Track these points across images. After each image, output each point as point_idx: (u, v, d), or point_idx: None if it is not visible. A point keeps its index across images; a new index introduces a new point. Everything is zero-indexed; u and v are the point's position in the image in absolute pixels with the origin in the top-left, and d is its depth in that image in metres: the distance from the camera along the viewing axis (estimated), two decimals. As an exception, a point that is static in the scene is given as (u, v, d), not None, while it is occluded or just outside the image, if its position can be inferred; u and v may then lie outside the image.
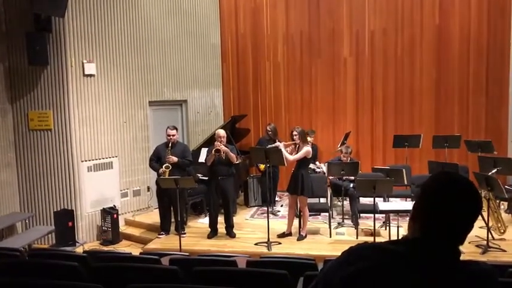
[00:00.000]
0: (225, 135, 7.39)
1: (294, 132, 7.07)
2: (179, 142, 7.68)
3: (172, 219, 7.58)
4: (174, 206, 7.30)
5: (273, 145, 7.30)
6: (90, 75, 7.91)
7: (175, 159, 7.23)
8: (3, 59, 7.65)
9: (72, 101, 7.68)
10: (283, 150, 6.82)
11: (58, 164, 7.76)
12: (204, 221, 7.99)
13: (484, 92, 9.59)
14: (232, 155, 7.24)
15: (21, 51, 7.60)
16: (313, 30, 10.33)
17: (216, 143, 7.20)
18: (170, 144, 7.31)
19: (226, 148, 7.17)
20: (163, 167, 7.19)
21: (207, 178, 7.73)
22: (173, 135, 7.37)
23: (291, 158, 6.92)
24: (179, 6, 9.55)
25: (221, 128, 8.85)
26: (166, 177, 7.01)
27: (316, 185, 7.46)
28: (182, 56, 9.61)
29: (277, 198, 9.30)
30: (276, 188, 8.94)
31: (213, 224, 7.39)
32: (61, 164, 7.75)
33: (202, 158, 8.11)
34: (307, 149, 6.93)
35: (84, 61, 7.80)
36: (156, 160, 7.43)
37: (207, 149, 7.77)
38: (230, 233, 7.35)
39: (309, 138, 8.31)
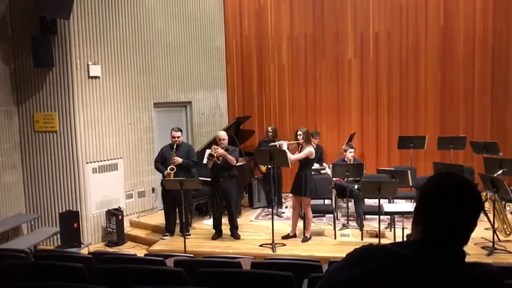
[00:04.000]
0: (226, 137, 7.36)
1: (299, 132, 7.05)
2: (184, 143, 7.69)
3: (177, 221, 7.59)
4: (178, 208, 7.32)
5: (276, 143, 7.26)
6: (95, 77, 7.94)
7: (179, 160, 7.24)
8: (8, 61, 7.70)
9: (77, 103, 7.72)
10: (285, 149, 6.80)
11: (63, 165, 7.80)
12: (208, 223, 8.00)
13: (489, 93, 9.56)
14: (231, 158, 7.20)
15: (26, 54, 7.64)
16: (318, 32, 10.33)
17: (213, 146, 7.19)
18: (175, 146, 7.32)
19: (222, 151, 7.13)
20: (168, 168, 7.19)
21: (210, 179, 7.73)
22: (178, 137, 7.37)
23: (293, 157, 6.89)
24: (184, 9, 9.58)
25: (225, 130, 8.86)
26: (171, 178, 7.01)
27: (321, 186, 7.45)
28: (187, 58, 9.63)
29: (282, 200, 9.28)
30: (281, 190, 8.93)
31: (217, 226, 7.40)
32: (66, 166, 7.78)
33: (206, 160, 8.12)
34: (309, 150, 6.91)
35: (89, 63, 7.83)
36: (162, 162, 7.44)
37: (210, 150, 7.76)
38: (235, 235, 7.36)
39: (313, 140, 8.31)
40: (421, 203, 1.44)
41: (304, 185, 6.88)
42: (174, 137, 7.36)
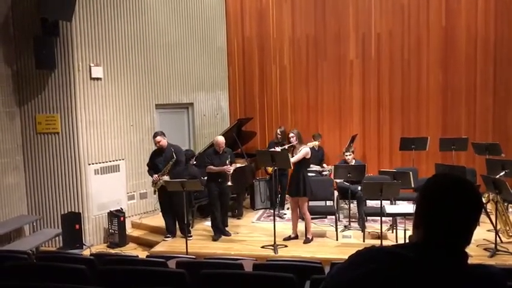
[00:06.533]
0: (224, 141, 7.46)
1: (291, 134, 7.06)
2: (169, 145, 7.46)
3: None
4: (175, 209, 7.35)
5: (272, 150, 7.31)
6: (97, 79, 7.95)
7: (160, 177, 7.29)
8: (11, 62, 7.71)
9: (79, 104, 7.72)
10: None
11: (65, 167, 7.80)
12: (210, 224, 8.00)
13: (492, 94, 9.55)
14: (234, 166, 7.53)
15: (28, 55, 7.65)
16: (319, 33, 10.33)
17: (226, 168, 7.29)
18: (163, 154, 7.39)
19: (232, 169, 7.40)
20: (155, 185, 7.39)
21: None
22: (158, 142, 7.37)
23: (291, 160, 6.89)
24: (186, 10, 9.59)
25: (227, 131, 8.87)
26: (172, 180, 7.02)
27: (323, 188, 7.45)
28: (188, 59, 9.64)
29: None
30: (285, 191, 8.91)
31: (216, 226, 7.42)
32: (68, 167, 7.79)
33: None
34: (305, 150, 6.91)
35: (91, 65, 7.84)
36: (152, 167, 7.47)
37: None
38: (225, 233, 7.45)
39: (316, 142, 8.32)
40: (421, 205, 1.43)
41: (303, 186, 6.87)
42: (155, 143, 7.42)
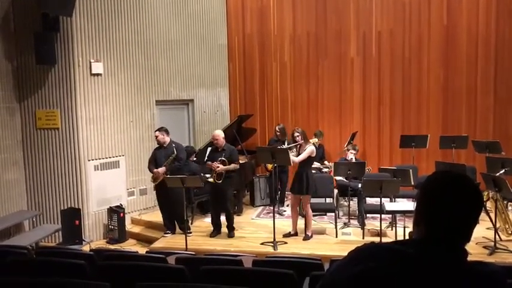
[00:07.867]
0: (220, 134, 7.29)
1: (296, 134, 7.03)
2: (172, 143, 7.45)
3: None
4: (172, 207, 7.36)
5: (274, 147, 7.29)
6: (98, 75, 7.94)
7: (160, 171, 7.26)
8: (11, 58, 7.70)
9: (80, 100, 7.72)
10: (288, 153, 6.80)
11: (65, 162, 7.80)
12: (209, 220, 8.00)
13: (492, 93, 9.53)
14: (233, 167, 7.25)
15: (29, 51, 7.64)
16: (320, 31, 10.31)
17: (213, 164, 7.09)
18: (163, 147, 7.43)
19: (222, 168, 7.10)
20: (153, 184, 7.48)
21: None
22: (156, 137, 7.43)
23: (297, 159, 6.89)
24: (186, 7, 9.57)
25: (227, 128, 8.87)
26: (172, 177, 7.02)
27: (323, 185, 7.44)
28: (189, 55, 9.63)
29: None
30: (285, 188, 8.91)
31: (215, 223, 7.42)
32: (68, 163, 7.79)
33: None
34: (311, 149, 6.91)
35: (92, 60, 7.83)
36: (153, 162, 7.48)
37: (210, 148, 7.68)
38: (229, 234, 7.36)
39: (316, 139, 8.32)
40: (422, 202, 1.44)
41: (306, 184, 6.88)
42: (155, 137, 7.47)
